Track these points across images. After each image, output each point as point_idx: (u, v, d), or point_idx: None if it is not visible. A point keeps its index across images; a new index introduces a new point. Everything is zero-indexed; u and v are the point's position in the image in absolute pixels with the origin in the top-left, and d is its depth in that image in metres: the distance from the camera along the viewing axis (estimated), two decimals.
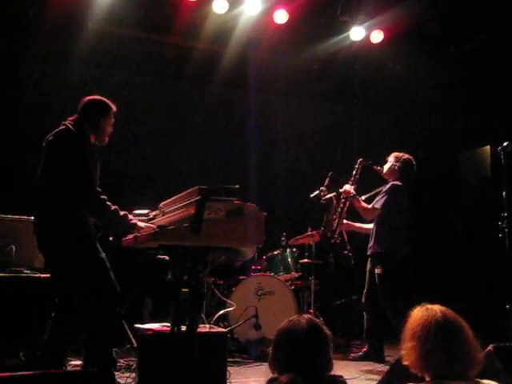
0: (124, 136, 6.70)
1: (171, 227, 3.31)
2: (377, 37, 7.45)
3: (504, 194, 4.58)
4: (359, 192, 5.68)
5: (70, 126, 3.92)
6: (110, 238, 4.84)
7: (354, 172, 5.77)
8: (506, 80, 7.07)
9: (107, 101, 4.15)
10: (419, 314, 2.32)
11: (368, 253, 5.56)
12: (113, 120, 4.16)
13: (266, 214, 3.48)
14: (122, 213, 3.91)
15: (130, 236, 3.96)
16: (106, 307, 3.82)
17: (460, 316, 2.34)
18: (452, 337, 2.20)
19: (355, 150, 8.19)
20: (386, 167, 5.65)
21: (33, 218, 3.98)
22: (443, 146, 8.05)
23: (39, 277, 4.72)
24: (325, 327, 2.41)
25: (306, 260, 6.40)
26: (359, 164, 5.79)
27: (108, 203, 3.86)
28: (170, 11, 6.80)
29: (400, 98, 8.18)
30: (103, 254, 3.92)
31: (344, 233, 6.09)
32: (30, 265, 4.87)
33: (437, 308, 2.31)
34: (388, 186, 5.49)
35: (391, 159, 5.65)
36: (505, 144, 4.65)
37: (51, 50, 6.62)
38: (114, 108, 4.16)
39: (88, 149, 3.92)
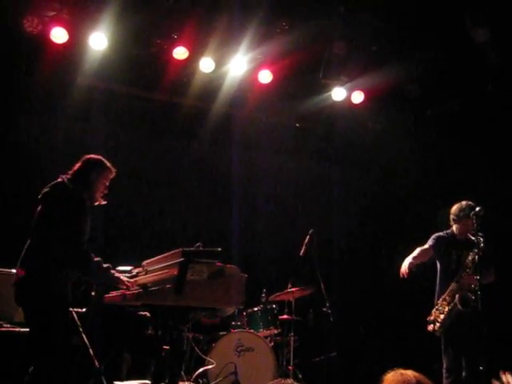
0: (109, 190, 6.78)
1: (154, 288, 3.37)
2: (357, 97, 7.72)
3: (476, 258, 4.70)
4: None
5: (65, 179, 4.03)
6: (92, 293, 4.89)
7: (306, 241, 6.05)
8: (481, 140, 7.33)
9: (104, 161, 4.26)
10: (394, 379, 2.33)
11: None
12: (107, 181, 4.25)
13: (246, 276, 3.56)
14: (105, 265, 3.99)
15: (116, 292, 4.01)
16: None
17: (433, 381, 2.38)
18: None
19: (335, 208, 8.36)
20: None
21: (16, 269, 3.98)
22: (421, 202, 8.24)
23: (19, 331, 4.71)
24: None
25: (285, 316, 6.43)
26: (310, 235, 6.05)
27: (92, 255, 3.94)
28: (158, 68, 7.00)
29: (379, 157, 8.41)
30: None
31: (323, 290, 6.17)
32: (9, 319, 4.86)
33: (411, 374, 2.33)
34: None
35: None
36: (477, 209, 4.79)
37: (41, 104, 6.74)
38: (111, 170, 4.26)
39: (80, 204, 4.00)
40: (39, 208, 4.00)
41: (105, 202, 4.29)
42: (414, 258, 5.42)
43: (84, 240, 3.92)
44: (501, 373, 2.84)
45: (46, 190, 4.02)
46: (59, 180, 4.04)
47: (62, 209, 3.91)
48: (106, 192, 4.27)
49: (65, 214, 3.89)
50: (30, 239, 3.95)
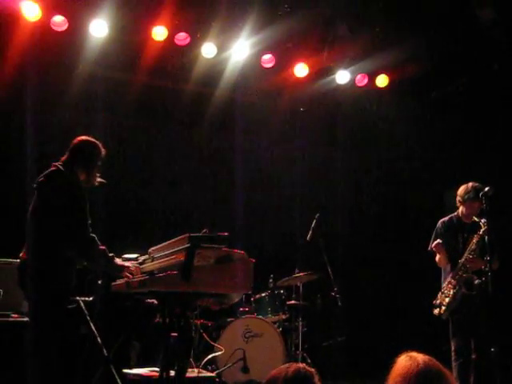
0: (113, 178, 6.77)
1: (161, 274, 3.34)
2: (362, 80, 7.65)
3: (486, 238, 4.66)
4: None
5: (60, 167, 3.96)
6: (99, 282, 4.87)
7: (312, 226, 6.06)
8: (487, 120, 7.26)
9: (99, 144, 4.18)
10: (402, 363, 2.28)
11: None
12: (100, 162, 4.18)
13: (254, 260, 3.52)
14: (110, 254, 3.95)
15: (121, 281, 3.98)
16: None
17: (444, 365, 2.34)
18: None
19: (340, 192, 8.30)
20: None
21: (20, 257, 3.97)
22: (427, 185, 8.19)
23: (27, 321, 4.69)
24: (316, 377, 2.41)
25: (293, 302, 6.42)
26: (317, 219, 6.08)
27: (98, 243, 3.90)
28: (160, 55, 6.93)
29: (384, 140, 8.35)
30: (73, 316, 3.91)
31: (331, 274, 6.15)
32: (17, 309, 4.85)
33: (420, 358, 2.27)
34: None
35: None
36: (486, 189, 4.72)
37: (42, 93, 6.70)
38: (103, 150, 4.19)
39: (79, 190, 3.95)
40: (35, 197, 3.95)
41: (103, 181, 4.21)
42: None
43: (88, 224, 3.87)
44: None
45: (41, 179, 3.94)
46: (53, 168, 3.96)
47: (61, 197, 3.84)
48: (100, 172, 4.19)
49: (64, 201, 3.83)
50: (30, 227, 3.91)
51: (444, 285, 5.18)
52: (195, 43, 6.84)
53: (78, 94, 6.71)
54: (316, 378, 2.39)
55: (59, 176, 3.93)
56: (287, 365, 2.44)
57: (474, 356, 5.01)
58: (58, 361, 3.77)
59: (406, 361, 2.29)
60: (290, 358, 6.02)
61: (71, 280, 3.94)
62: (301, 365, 2.43)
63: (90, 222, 3.91)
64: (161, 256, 3.77)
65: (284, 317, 6.41)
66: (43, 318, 3.82)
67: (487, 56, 6.94)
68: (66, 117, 6.77)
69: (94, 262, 4.01)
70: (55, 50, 6.43)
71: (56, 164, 3.99)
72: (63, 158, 4.06)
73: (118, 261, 4.12)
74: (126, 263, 4.02)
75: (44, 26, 6.23)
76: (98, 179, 4.19)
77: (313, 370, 2.42)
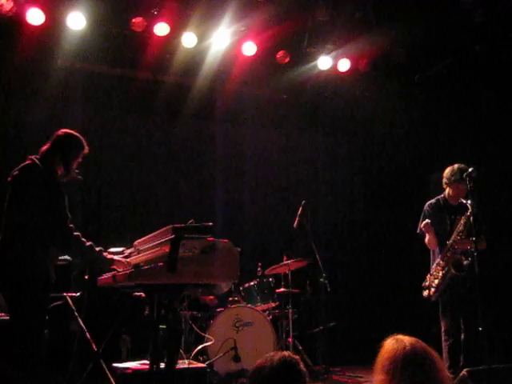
0: (94, 171, 6.74)
1: (146, 267, 3.31)
2: (343, 65, 7.62)
3: (471, 219, 4.67)
4: None
5: (36, 160, 3.86)
6: (86, 277, 4.84)
7: (299, 212, 6.03)
8: (472, 103, 7.26)
9: (82, 139, 4.09)
10: (389, 346, 2.31)
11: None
12: (81, 158, 4.09)
13: (239, 249, 3.50)
14: (97, 248, 3.90)
15: (107, 275, 3.95)
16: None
17: (431, 347, 2.34)
18: (420, 371, 2.19)
19: (322, 179, 8.30)
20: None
21: None
22: (413, 168, 8.21)
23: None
24: (301, 364, 2.42)
25: (282, 289, 6.42)
26: (303, 206, 6.04)
27: (83, 239, 3.84)
28: (139, 46, 6.86)
29: (368, 124, 8.35)
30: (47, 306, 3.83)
31: (319, 260, 6.15)
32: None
33: (406, 340, 2.29)
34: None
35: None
36: (470, 170, 4.73)
37: (20, 86, 6.62)
38: (85, 147, 4.11)
39: (56, 184, 3.85)
40: (10, 191, 3.85)
41: (80, 178, 4.14)
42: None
43: (67, 219, 3.79)
44: None
45: (15, 172, 3.86)
46: (28, 162, 3.87)
47: (36, 191, 3.76)
48: (78, 169, 4.12)
49: (39, 196, 3.75)
50: (3, 223, 3.82)
51: (433, 266, 5.20)
52: (175, 33, 6.76)
53: (57, 87, 6.62)
54: (301, 365, 2.40)
55: (34, 169, 3.82)
56: (272, 353, 2.45)
57: (463, 336, 5.05)
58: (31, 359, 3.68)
59: (393, 344, 2.30)
60: (281, 345, 6.04)
61: (50, 276, 3.83)
62: (286, 353, 2.43)
63: (69, 216, 3.83)
64: (146, 248, 3.74)
65: (274, 305, 6.42)
66: (21, 317, 3.69)
67: (470, 38, 6.93)
68: (45, 110, 6.68)
69: (79, 256, 3.96)
70: (32, 44, 6.32)
71: (32, 157, 3.90)
72: (43, 149, 3.97)
73: (107, 254, 4.08)
74: (116, 256, 3.98)
75: (19, 20, 6.12)
76: (76, 175, 4.12)
77: (298, 357, 2.43)
